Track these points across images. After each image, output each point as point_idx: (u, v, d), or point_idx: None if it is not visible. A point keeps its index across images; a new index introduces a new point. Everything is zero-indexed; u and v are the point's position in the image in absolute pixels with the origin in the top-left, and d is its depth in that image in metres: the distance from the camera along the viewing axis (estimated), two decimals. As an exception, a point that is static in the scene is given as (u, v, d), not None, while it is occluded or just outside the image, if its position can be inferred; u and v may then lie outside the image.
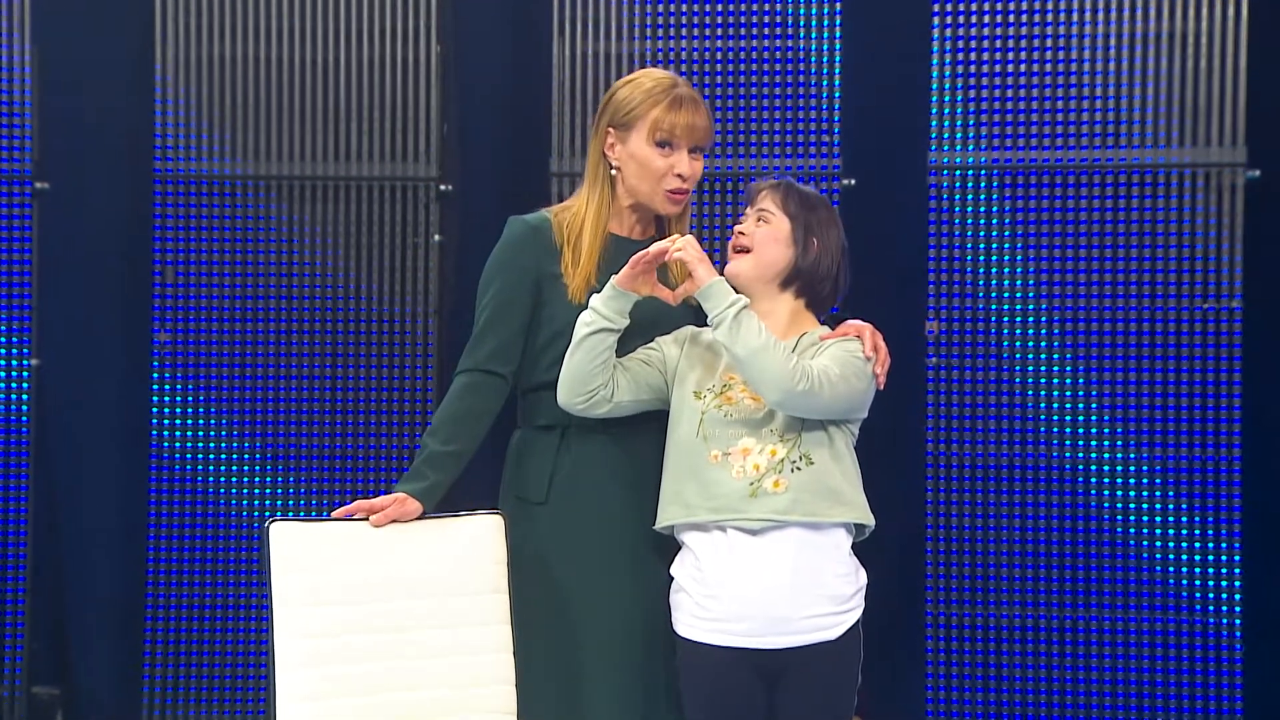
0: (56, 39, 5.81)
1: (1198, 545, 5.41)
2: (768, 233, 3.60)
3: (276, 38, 5.74)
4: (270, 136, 5.73)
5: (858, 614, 3.55)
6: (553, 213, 3.72)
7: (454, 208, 5.75)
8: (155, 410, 5.73)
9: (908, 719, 5.58)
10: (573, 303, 3.61)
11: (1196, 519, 5.42)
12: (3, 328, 5.76)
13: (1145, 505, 5.44)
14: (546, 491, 3.64)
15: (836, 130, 5.58)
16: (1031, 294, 5.49)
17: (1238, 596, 5.39)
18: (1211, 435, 5.42)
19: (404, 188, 5.72)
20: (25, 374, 5.77)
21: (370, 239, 5.72)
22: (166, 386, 5.73)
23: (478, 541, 3.58)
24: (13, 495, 5.76)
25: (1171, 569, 5.42)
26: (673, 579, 3.57)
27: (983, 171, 5.51)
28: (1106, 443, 5.46)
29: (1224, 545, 5.40)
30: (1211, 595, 5.40)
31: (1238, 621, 5.40)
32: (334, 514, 3.57)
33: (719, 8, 5.63)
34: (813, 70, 5.60)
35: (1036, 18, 5.50)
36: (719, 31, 5.62)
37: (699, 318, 3.62)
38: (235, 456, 5.73)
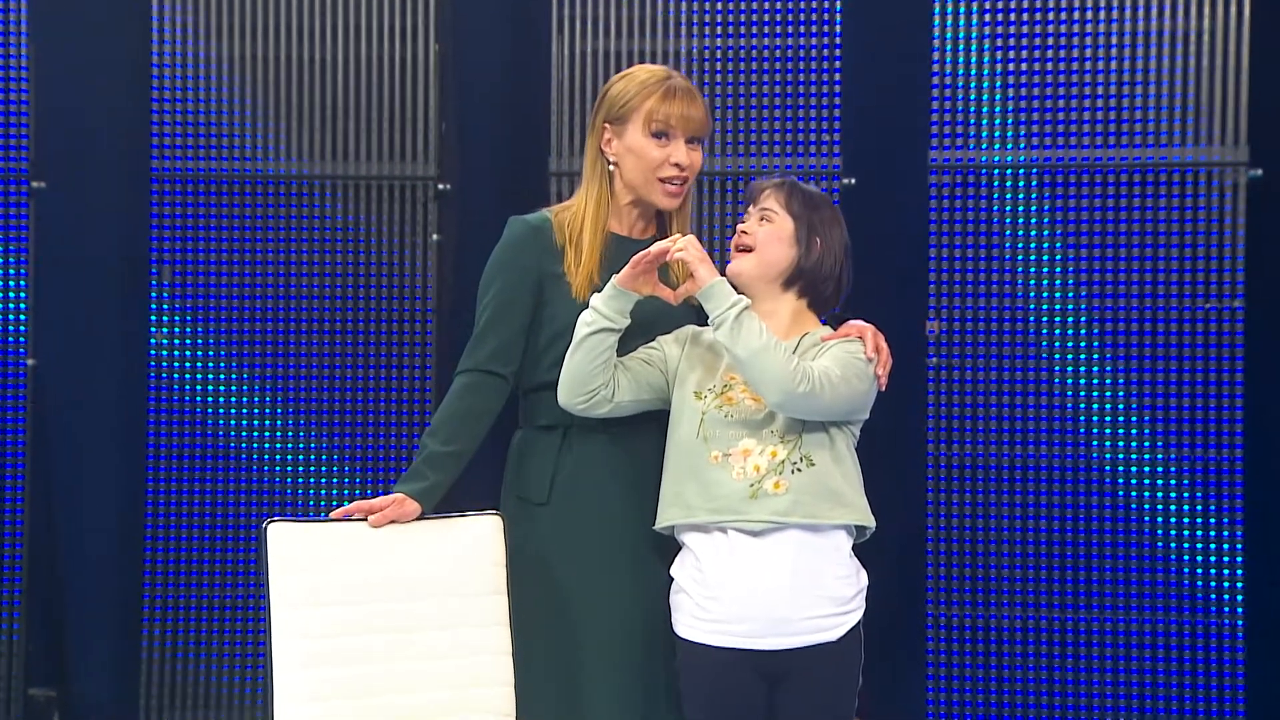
0: (53, 37, 5.80)
1: (1199, 545, 5.41)
2: (771, 232, 3.59)
3: (274, 36, 5.73)
4: (268, 135, 5.72)
5: (858, 615, 3.55)
6: (553, 212, 3.72)
7: (453, 207, 5.75)
8: (152, 410, 5.73)
9: (908, 720, 5.59)
10: (575, 302, 3.60)
11: (1198, 519, 5.42)
12: (-1, 327, 5.78)
13: (1147, 505, 5.44)
14: (548, 492, 3.64)
15: (837, 129, 5.59)
16: (1033, 294, 5.50)
17: (1240, 597, 5.39)
18: (1214, 435, 5.42)
19: (403, 187, 5.72)
20: (22, 374, 5.77)
21: (369, 238, 5.71)
22: (164, 386, 5.74)
23: (477, 543, 3.58)
24: (9, 496, 5.76)
25: (1173, 569, 5.43)
26: (673, 580, 3.57)
27: (983, 171, 5.52)
28: (1108, 443, 5.47)
29: (1226, 545, 5.40)
30: (1214, 595, 5.40)
31: (1240, 622, 5.40)
32: (332, 514, 3.58)
33: (719, 6, 5.63)
34: (813, 69, 5.60)
35: (1037, 16, 5.50)
36: (719, 30, 5.62)
37: (700, 317, 3.62)
38: (233, 457, 5.72)
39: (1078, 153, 5.48)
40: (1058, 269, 5.49)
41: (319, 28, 5.73)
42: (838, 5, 5.59)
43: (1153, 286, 5.46)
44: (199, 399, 5.73)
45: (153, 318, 5.73)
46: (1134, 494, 5.45)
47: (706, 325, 3.57)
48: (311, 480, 5.71)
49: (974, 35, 5.51)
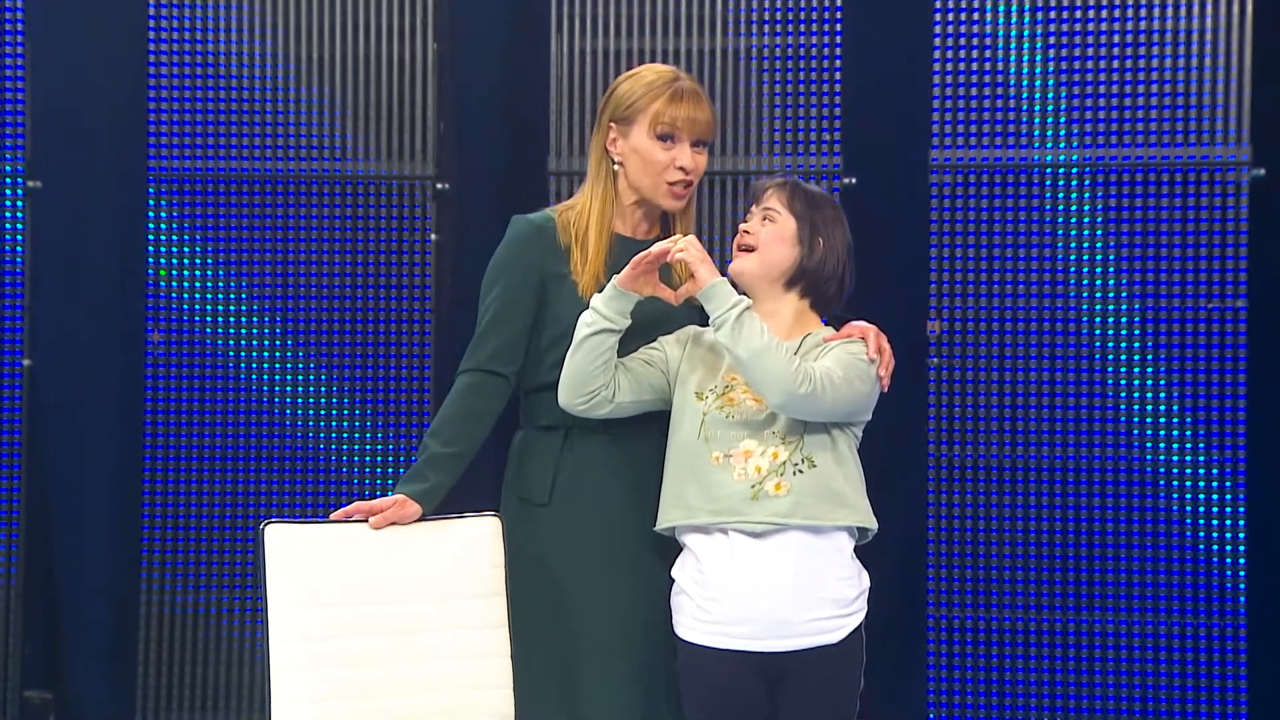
0: (50, 36, 5.79)
1: (1202, 548, 5.41)
2: (773, 232, 3.58)
3: (272, 34, 5.73)
4: (265, 134, 5.72)
5: (860, 617, 3.54)
6: (556, 212, 3.72)
7: (451, 206, 5.75)
8: (149, 411, 5.72)
9: (909, 722, 5.59)
10: (578, 302, 3.60)
11: (1201, 521, 5.42)
12: (-5, 327, 5.77)
13: (1149, 506, 5.44)
14: (549, 493, 3.63)
15: (837, 129, 5.59)
16: (1034, 294, 5.50)
17: (1242, 599, 5.39)
18: (1216, 436, 5.42)
19: (401, 186, 5.72)
20: (18, 374, 5.76)
21: (367, 238, 5.71)
22: (160, 387, 5.73)
23: (475, 544, 3.58)
24: (5, 497, 5.75)
25: (1175, 570, 5.43)
26: (674, 581, 3.56)
27: (984, 170, 5.52)
28: (1110, 444, 5.46)
29: (1229, 547, 5.40)
30: (1216, 598, 5.40)
31: (1242, 624, 5.40)
32: (333, 515, 3.57)
33: (719, 5, 5.63)
34: (813, 68, 5.60)
35: (1039, 15, 5.50)
36: (718, 29, 5.62)
37: (701, 317, 3.61)
38: (230, 458, 5.72)
39: (1079, 152, 5.48)
40: (1059, 269, 5.49)
41: (317, 26, 5.73)
42: (838, 4, 5.59)
43: (1155, 286, 5.45)
44: (196, 399, 5.72)
45: (149, 318, 5.73)
46: (1135, 495, 5.45)
47: (708, 326, 3.56)
48: (310, 481, 5.71)
49: (975, 33, 5.51)
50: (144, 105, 5.72)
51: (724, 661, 3.49)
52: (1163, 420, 5.44)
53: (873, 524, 3.54)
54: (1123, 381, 5.46)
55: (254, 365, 5.71)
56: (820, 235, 3.58)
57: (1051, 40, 5.49)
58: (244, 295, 5.72)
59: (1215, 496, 5.41)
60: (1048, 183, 5.50)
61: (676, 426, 3.55)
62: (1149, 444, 5.44)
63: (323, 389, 5.71)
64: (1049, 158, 5.49)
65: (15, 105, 5.75)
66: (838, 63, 5.58)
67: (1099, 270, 5.47)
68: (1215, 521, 5.40)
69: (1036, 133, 5.50)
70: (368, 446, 5.70)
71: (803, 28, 5.60)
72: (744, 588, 3.46)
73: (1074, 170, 5.48)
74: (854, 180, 5.55)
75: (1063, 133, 5.49)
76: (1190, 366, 5.43)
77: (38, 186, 5.77)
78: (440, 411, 3.64)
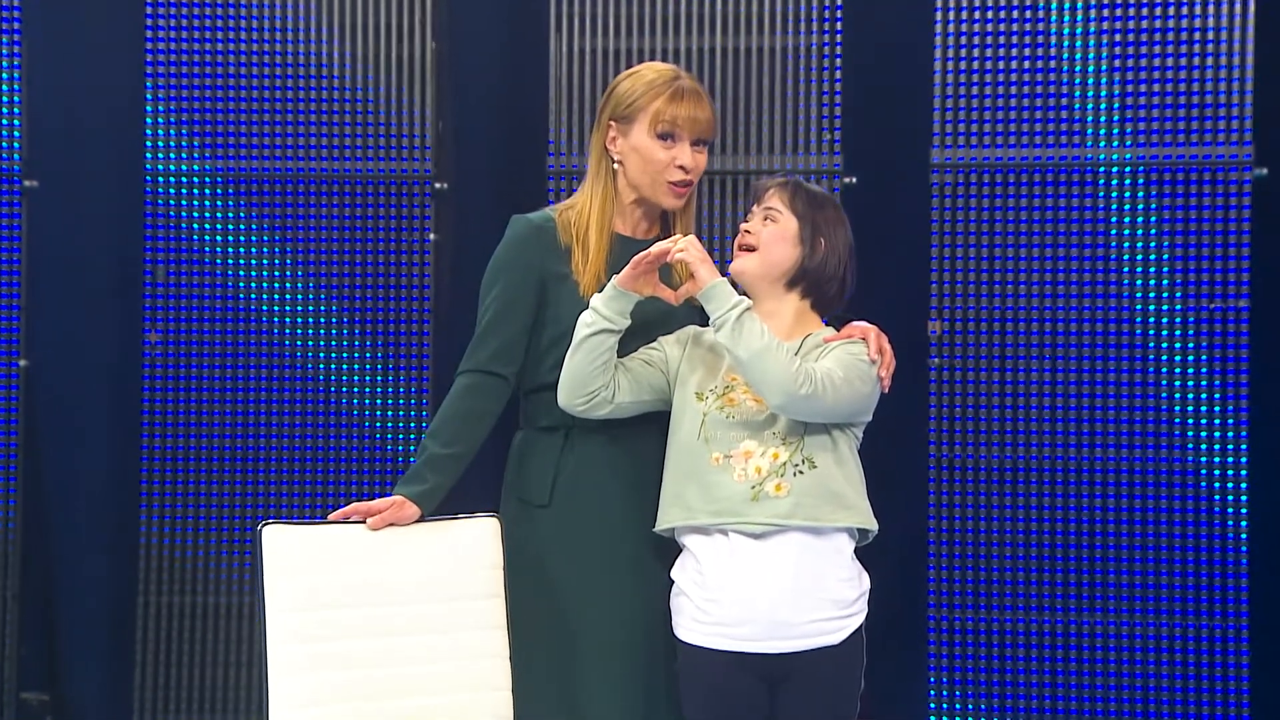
0: (47, 35, 5.78)
1: (1204, 549, 5.41)
2: (774, 232, 3.58)
3: (268, 33, 5.73)
4: (263, 134, 5.72)
5: (860, 618, 3.54)
6: (556, 211, 3.71)
7: (450, 206, 5.74)
8: (146, 411, 5.72)
9: (910, 723, 5.59)
10: (578, 302, 3.59)
11: (1203, 522, 5.41)
12: (-8, 328, 5.77)
13: (1150, 508, 5.43)
14: (549, 494, 3.63)
15: (837, 128, 5.58)
16: (1035, 294, 5.49)
17: (1244, 600, 5.39)
18: (1218, 437, 5.40)
19: (399, 186, 5.71)
20: (15, 374, 5.76)
21: (365, 238, 5.71)
22: (157, 387, 5.73)
23: (474, 546, 3.58)
24: (1, 498, 5.74)
25: (1177, 572, 5.42)
26: (673, 582, 3.55)
27: (985, 169, 5.52)
28: (1111, 445, 5.46)
29: (1231, 549, 5.40)
30: (1218, 599, 5.39)
31: (1244, 625, 5.39)
32: (331, 516, 3.57)
33: (719, 4, 5.62)
34: (813, 67, 5.59)
35: (1040, 13, 5.50)
36: (718, 28, 5.61)
37: (701, 317, 3.61)
38: (227, 458, 5.72)
39: (1080, 151, 5.48)
40: (1060, 269, 5.48)
41: (315, 25, 5.72)
42: (838, 4, 5.59)
43: (1156, 287, 5.44)
44: (193, 400, 5.72)
45: (146, 318, 5.72)
46: (1137, 495, 5.44)
47: (708, 325, 3.55)
48: (307, 482, 5.70)
49: (976, 31, 5.51)
50: (141, 104, 5.72)
51: (724, 663, 3.48)
52: (1164, 420, 5.44)
53: (873, 525, 3.53)
54: (1124, 382, 5.45)
55: (251, 365, 5.70)
56: (822, 235, 3.57)
57: (1053, 38, 5.48)
58: (241, 295, 5.71)
59: (1217, 497, 5.40)
60: (1048, 183, 5.49)
61: (676, 427, 3.55)
62: (1150, 444, 5.44)
63: (321, 389, 5.71)
64: (1050, 156, 5.48)
65: (12, 104, 5.74)
66: (838, 62, 5.58)
67: (1099, 270, 5.46)
68: (1217, 522, 5.39)
69: (1038, 132, 5.49)
70: (366, 447, 5.69)
71: (803, 27, 5.60)
72: (744, 589, 3.46)
73: (1075, 169, 5.48)
74: (854, 180, 5.55)
75: (1063, 132, 5.48)
76: (1192, 367, 5.42)
77: (34, 186, 5.76)
78: (439, 412, 3.63)
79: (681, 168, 3.62)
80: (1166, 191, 5.44)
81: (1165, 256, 5.44)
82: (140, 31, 5.71)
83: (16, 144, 5.74)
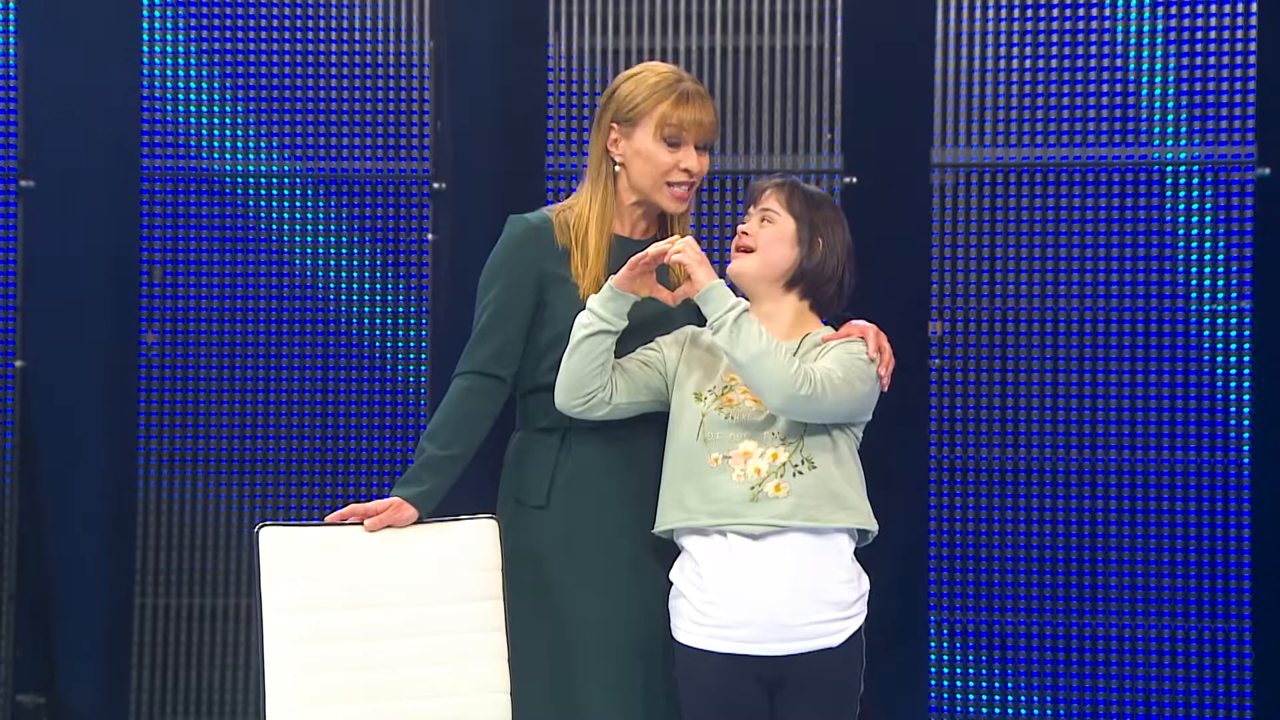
0: (43, 35, 5.79)
1: (1206, 551, 5.41)
2: (772, 233, 3.56)
3: (265, 32, 5.72)
4: (260, 133, 5.71)
5: (860, 620, 3.52)
6: (554, 212, 3.70)
7: (448, 206, 5.75)
8: (143, 412, 5.72)
9: (910, 726, 5.58)
10: (576, 303, 3.58)
11: (1205, 524, 5.41)
12: (-12, 329, 5.77)
13: (1152, 510, 5.44)
14: (547, 495, 3.61)
15: (838, 128, 5.58)
16: (1036, 294, 5.49)
17: (1247, 603, 5.38)
18: (1220, 439, 5.41)
19: (397, 185, 5.71)
20: (10, 375, 5.75)
21: (362, 238, 5.70)
22: (154, 388, 5.73)
23: (471, 547, 3.57)
24: (-4, 500, 5.77)
25: (1179, 574, 5.42)
26: (672, 584, 3.54)
27: (986, 169, 5.52)
28: (1113, 446, 5.46)
29: (1233, 551, 5.40)
30: (1220, 601, 5.39)
31: (1246, 628, 5.39)
32: (328, 518, 3.56)
33: (718, 4, 5.62)
34: (813, 67, 5.59)
35: (1040, 12, 5.51)
36: (718, 27, 5.61)
37: (699, 317, 3.59)
38: (224, 460, 5.72)
39: (1081, 151, 5.48)
40: (1061, 269, 5.49)
41: (312, 23, 5.72)
42: (839, 3, 5.58)
43: (1158, 287, 5.45)
44: (190, 401, 5.72)
45: (143, 318, 5.72)
46: (1139, 497, 5.44)
47: (705, 325, 3.54)
48: (304, 484, 5.70)
49: (976, 31, 5.51)
50: (138, 103, 5.72)
51: (722, 665, 3.47)
52: (1165, 422, 5.43)
53: (873, 526, 3.52)
54: (1125, 383, 5.45)
55: (248, 366, 5.70)
56: (820, 236, 3.56)
57: (1054, 38, 5.49)
58: (238, 296, 5.71)
59: (1219, 499, 5.40)
60: (1049, 182, 5.49)
61: (675, 428, 3.54)
62: (1152, 445, 5.43)
63: (318, 390, 5.70)
64: (1051, 156, 5.48)
65: (7, 103, 5.74)
66: (839, 60, 5.58)
67: (1101, 270, 5.46)
68: (1219, 524, 5.39)
69: (1038, 132, 5.49)
70: (363, 448, 5.69)
71: (803, 27, 5.59)
72: (743, 591, 3.44)
73: (1076, 169, 5.48)
74: (854, 180, 5.56)
75: (1064, 131, 5.48)
76: (1194, 368, 5.43)
77: (31, 185, 5.76)
78: (437, 414, 3.62)
79: (686, 170, 3.61)
80: (1168, 191, 5.44)
81: (1166, 257, 5.44)
82: (137, 31, 5.72)
83: (12, 143, 5.74)
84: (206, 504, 5.70)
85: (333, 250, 5.71)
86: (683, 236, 3.54)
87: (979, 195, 5.51)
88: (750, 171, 5.52)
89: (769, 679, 3.47)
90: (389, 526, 3.53)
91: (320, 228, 5.71)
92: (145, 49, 5.71)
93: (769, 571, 3.43)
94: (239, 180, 5.71)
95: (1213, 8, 5.41)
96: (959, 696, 5.47)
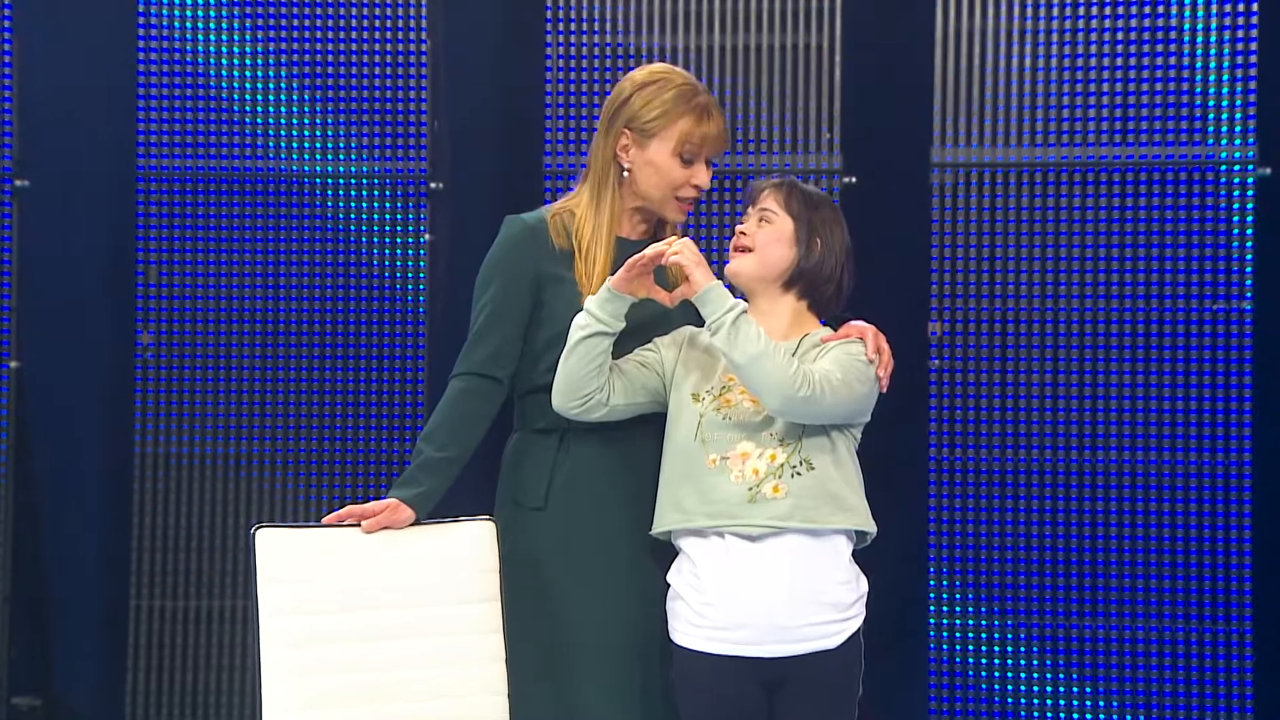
0: (38, 34, 5.78)
1: (1207, 553, 5.40)
2: (770, 233, 3.56)
3: (262, 31, 5.72)
4: (256, 132, 5.70)
5: (859, 622, 3.52)
6: (550, 212, 3.69)
7: (445, 206, 5.74)
8: (138, 413, 5.71)
9: (909, 728, 5.58)
10: (574, 304, 3.57)
11: (1206, 525, 5.41)
12: (-18, 329, 5.78)
13: (1153, 511, 5.43)
14: (545, 497, 3.61)
15: (837, 128, 5.58)
16: (1036, 294, 5.48)
17: (1248, 604, 5.37)
18: (1221, 440, 5.40)
19: (394, 185, 5.70)
20: (5, 377, 5.74)
21: (359, 238, 5.69)
22: (150, 389, 5.72)
23: (469, 549, 3.57)
24: (-9, 501, 5.77)
25: (1180, 576, 5.41)
26: (669, 586, 3.54)
27: (986, 169, 5.51)
28: (1113, 447, 5.45)
29: (1234, 552, 5.39)
30: (1221, 604, 5.38)
31: (1248, 630, 5.38)
32: (325, 519, 3.56)
33: (717, 3, 5.62)
34: (813, 67, 5.58)
35: (1040, 12, 5.50)
36: (717, 26, 5.61)
37: (698, 318, 3.58)
38: (220, 461, 5.71)
39: (1082, 151, 5.47)
40: (1061, 269, 5.48)
41: (308, 22, 5.71)
42: (839, 3, 5.58)
43: (1159, 288, 5.44)
44: (186, 402, 5.71)
45: (139, 319, 5.71)
46: (1139, 498, 5.43)
47: (703, 326, 3.53)
48: (301, 485, 5.70)
49: (976, 30, 5.51)
50: (133, 103, 5.71)
51: (720, 667, 3.46)
52: (1166, 422, 5.43)
53: (872, 527, 3.52)
54: (1126, 383, 5.45)
55: (245, 367, 5.70)
56: (818, 236, 3.56)
57: (1054, 39, 5.48)
58: (234, 296, 5.71)
59: (1220, 500, 5.39)
60: (1049, 182, 5.48)
61: (673, 429, 3.53)
62: (1152, 446, 5.43)
63: (314, 391, 5.69)
64: (1052, 156, 5.47)
65: (2, 102, 5.73)
66: (838, 60, 5.58)
67: (1101, 270, 5.45)
68: (1220, 525, 5.38)
69: (1039, 131, 5.48)
70: (360, 450, 5.68)
71: (803, 26, 5.59)
72: (740, 592, 3.44)
73: (1076, 169, 5.47)
74: (854, 180, 5.55)
75: (1064, 131, 5.47)
76: (1195, 369, 5.42)
77: (25, 185, 5.75)
78: (434, 415, 3.62)
79: (697, 187, 3.63)
80: (1169, 191, 5.43)
81: (1167, 257, 5.43)
82: (132, 30, 5.71)
83: (7, 143, 5.72)
84: (203, 505, 5.70)
85: (329, 250, 5.70)
86: (680, 237, 3.53)
87: (979, 195, 5.50)
88: (749, 171, 5.51)
89: (767, 681, 3.46)
90: (386, 528, 3.52)
91: (317, 228, 5.70)
92: (141, 48, 5.70)
93: (766, 573, 3.43)
94: (235, 180, 5.70)
95: (1213, 7, 5.41)
96: (959, 699, 5.46)
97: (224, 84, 5.71)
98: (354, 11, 5.70)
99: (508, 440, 3.72)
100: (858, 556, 3.53)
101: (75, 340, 5.84)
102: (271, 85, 5.71)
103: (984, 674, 5.46)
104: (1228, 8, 5.40)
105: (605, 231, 3.62)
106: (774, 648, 3.44)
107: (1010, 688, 5.45)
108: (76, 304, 5.85)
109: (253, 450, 5.69)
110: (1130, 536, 5.42)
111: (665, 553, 3.55)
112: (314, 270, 5.70)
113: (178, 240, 5.70)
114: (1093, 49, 5.46)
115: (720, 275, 3.51)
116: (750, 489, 3.44)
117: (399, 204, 5.69)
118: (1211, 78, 5.40)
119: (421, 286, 5.67)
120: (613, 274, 3.51)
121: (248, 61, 5.71)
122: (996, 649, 5.46)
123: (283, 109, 5.70)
